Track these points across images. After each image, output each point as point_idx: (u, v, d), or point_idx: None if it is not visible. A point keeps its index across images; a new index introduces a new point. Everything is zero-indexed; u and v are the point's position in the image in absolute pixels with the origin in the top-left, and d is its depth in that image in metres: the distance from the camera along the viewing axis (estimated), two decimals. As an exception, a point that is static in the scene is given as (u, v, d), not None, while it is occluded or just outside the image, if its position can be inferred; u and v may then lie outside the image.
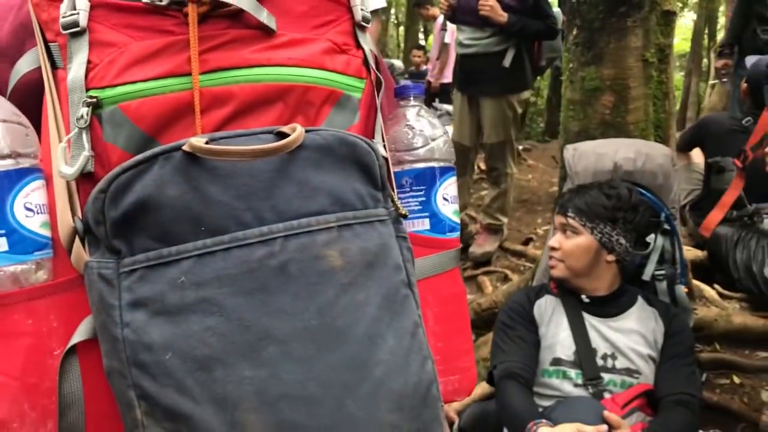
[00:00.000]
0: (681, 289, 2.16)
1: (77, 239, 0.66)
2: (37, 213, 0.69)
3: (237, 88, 0.70)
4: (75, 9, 0.68)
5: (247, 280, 0.63)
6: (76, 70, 0.67)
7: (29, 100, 0.72)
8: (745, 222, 3.04)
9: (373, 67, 0.80)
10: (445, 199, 0.91)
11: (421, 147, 0.90)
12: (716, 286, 3.01)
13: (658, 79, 2.50)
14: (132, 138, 0.67)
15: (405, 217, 0.78)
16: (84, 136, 0.66)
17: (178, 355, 0.61)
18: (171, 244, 0.63)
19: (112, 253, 0.64)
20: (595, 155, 2.20)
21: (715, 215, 2.31)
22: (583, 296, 1.94)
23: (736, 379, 2.54)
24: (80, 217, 0.67)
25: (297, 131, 0.66)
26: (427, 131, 0.91)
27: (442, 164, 0.91)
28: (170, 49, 0.68)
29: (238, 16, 0.71)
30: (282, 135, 0.67)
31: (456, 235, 0.93)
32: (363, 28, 0.79)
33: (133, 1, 0.69)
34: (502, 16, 3.57)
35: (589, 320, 1.91)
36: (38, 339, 0.67)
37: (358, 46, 0.78)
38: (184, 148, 0.63)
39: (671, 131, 2.58)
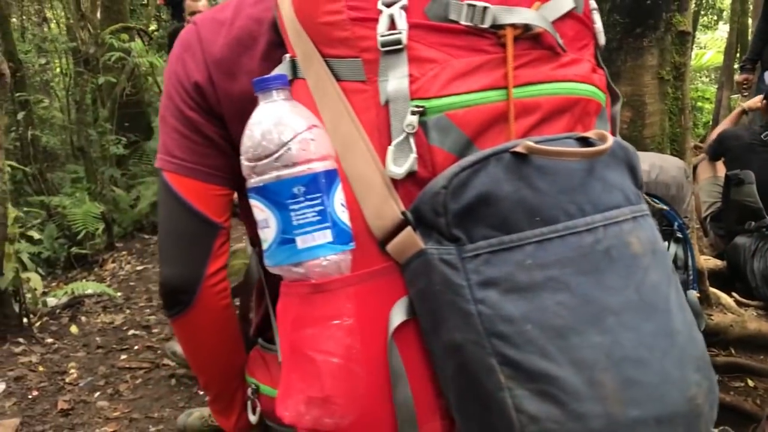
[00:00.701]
0: (693, 295, 2.26)
1: (406, 230, 0.73)
2: (345, 208, 0.75)
3: (543, 100, 0.78)
4: (396, 29, 0.74)
5: (583, 262, 0.71)
6: (398, 82, 0.74)
7: None
8: (762, 233, 3.14)
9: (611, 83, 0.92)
10: None
11: None
12: (734, 294, 3.11)
13: (674, 95, 2.62)
14: (457, 142, 0.75)
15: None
16: (411, 140, 0.74)
17: (537, 326, 0.69)
18: (509, 232, 0.70)
19: (451, 241, 0.71)
20: (612, 167, 2.32)
21: None
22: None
23: (750, 383, 2.63)
24: (403, 210, 0.74)
25: (610, 139, 0.76)
26: None
27: None
28: (487, 66, 0.76)
29: (537, 38, 0.79)
30: (580, 140, 0.77)
31: None
32: (600, 50, 0.90)
33: (450, 23, 0.77)
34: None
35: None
36: (355, 322, 0.73)
37: (599, 65, 0.89)
38: (518, 149, 0.71)
39: (686, 145, 2.70)
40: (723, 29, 12.11)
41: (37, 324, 4.02)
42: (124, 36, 6.98)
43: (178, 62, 0.90)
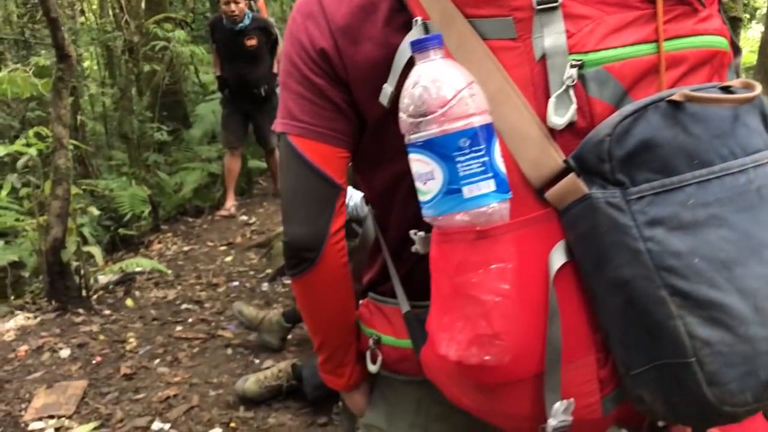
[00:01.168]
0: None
1: (569, 176, 0.78)
2: (502, 160, 0.80)
3: (689, 53, 0.84)
4: None
5: (739, 200, 0.77)
6: (555, 38, 0.80)
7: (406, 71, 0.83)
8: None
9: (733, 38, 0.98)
10: None
11: None
12: None
13: (724, 80, 2.71)
14: (615, 93, 0.81)
15: None
16: (570, 92, 0.79)
17: (703, 259, 0.74)
18: (670, 175, 0.76)
19: (615, 185, 0.76)
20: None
21: None
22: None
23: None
24: (565, 158, 0.79)
25: (758, 87, 0.81)
26: None
27: None
28: (638, 21, 0.82)
29: None
30: (722, 89, 0.81)
31: None
32: (723, 6, 0.96)
33: None
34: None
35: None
36: (516, 265, 0.78)
37: (724, 21, 0.92)
38: (676, 98, 0.76)
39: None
40: (756, 29, 12.06)
41: (94, 297, 4.19)
42: (168, 26, 7.16)
43: (301, 30, 0.94)
